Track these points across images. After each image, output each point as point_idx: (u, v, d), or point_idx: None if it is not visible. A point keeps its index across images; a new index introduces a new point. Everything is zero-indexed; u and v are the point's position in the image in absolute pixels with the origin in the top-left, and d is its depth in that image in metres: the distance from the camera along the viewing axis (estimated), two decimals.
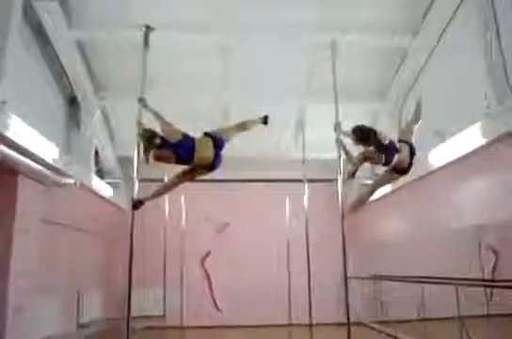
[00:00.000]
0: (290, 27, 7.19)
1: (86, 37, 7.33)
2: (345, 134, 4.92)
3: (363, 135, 4.42)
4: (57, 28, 6.77)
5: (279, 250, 9.50)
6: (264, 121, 5.00)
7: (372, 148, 4.39)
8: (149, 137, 4.23)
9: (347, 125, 4.88)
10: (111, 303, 9.41)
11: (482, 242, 6.08)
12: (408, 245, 8.36)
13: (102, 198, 9.13)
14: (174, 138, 4.29)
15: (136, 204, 4.41)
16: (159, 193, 4.69)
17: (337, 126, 5.02)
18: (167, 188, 4.72)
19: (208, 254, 10.60)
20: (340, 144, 4.90)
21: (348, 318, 4.34)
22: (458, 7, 6.44)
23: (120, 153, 10.07)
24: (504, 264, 5.62)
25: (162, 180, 7.36)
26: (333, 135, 5.06)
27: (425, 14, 6.99)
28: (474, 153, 5.94)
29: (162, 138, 4.26)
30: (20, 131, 5.31)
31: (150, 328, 9.08)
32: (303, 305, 7.12)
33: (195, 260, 10.40)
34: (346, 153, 4.75)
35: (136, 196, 4.43)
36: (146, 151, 4.28)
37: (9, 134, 5.05)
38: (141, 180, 4.61)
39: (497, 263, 5.72)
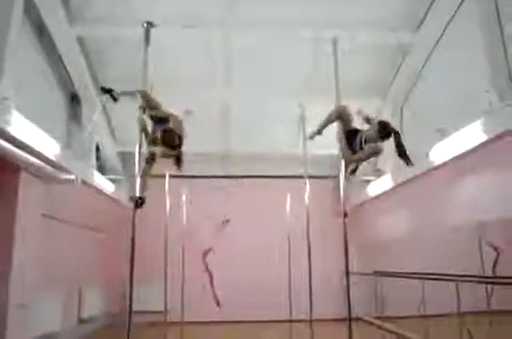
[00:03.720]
0: (291, 24, 7.18)
1: (87, 33, 7.32)
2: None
3: (386, 130, 4.42)
4: (58, 24, 6.76)
5: (279, 246, 9.51)
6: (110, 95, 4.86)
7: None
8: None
9: None
10: (112, 299, 9.44)
11: (482, 238, 6.09)
12: (407, 241, 8.38)
13: (103, 193, 9.15)
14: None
15: (138, 203, 4.37)
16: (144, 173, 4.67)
17: (339, 124, 4.99)
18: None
19: (209, 250, 10.63)
20: (341, 141, 4.87)
21: (349, 314, 4.34)
22: (461, 3, 6.42)
23: (121, 149, 10.08)
24: (504, 260, 5.63)
25: (164, 176, 7.37)
26: (334, 132, 5.06)
27: (427, 10, 6.97)
28: (476, 149, 5.94)
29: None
30: (21, 127, 5.33)
31: (151, 323, 9.11)
32: (304, 301, 7.13)
33: (196, 256, 10.43)
34: (345, 149, 4.76)
35: (137, 194, 4.39)
36: (179, 161, 4.59)
37: (11, 130, 5.07)
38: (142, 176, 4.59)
39: (497, 259, 5.73)
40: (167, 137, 4.44)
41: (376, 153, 4.53)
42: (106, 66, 8.18)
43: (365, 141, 4.52)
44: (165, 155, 4.55)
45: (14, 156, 5.25)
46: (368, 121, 4.83)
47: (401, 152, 4.37)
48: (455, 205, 6.84)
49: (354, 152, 4.62)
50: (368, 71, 8.39)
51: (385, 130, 4.42)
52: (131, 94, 4.62)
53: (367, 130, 4.60)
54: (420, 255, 7.72)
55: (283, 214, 9.34)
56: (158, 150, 4.48)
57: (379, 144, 4.45)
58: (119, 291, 9.34)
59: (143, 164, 4.57)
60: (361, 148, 4.57)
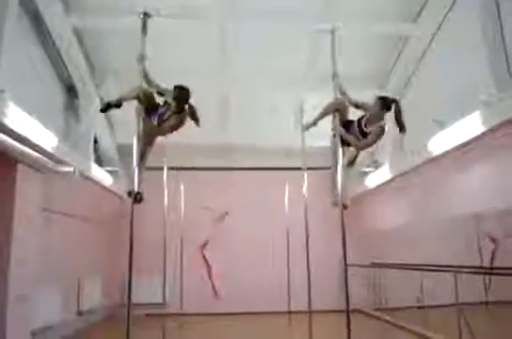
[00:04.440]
0: (289, 15, 7.13)
1: (83, 24, 7.26)
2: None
3: (387, 103, 4.62)
4: (55, 15, 6.70)
5: (278, 238, 9.53)
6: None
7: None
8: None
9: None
10: (111, 291, 9.46)
11: (480, 230, 6.10)
12: (405, 232, 8.40)
13: (101, 186, 9.14)
14: None
15: (137, 198, 4.39)
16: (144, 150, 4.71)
17: (336, 116, 4.99)
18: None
19: (207, 242, 10.64)
20: (338, 132, 4.88)
21: (348, 306, 4.35)
22: None
23: (119, 141, 10.05)
24: (502, 251, 5.65)
25: (162, 168, 7.35)
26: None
27: (426, 1, 6.93)
28: (474, 141, 5.94)
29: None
30: (18, 119, 5.30)
31: (149, 315, 9.15)
32: (302, 292, 7.15)
33: (195, 248, 10.44)
34: (350, 137, 4.82)
35: (135, 187, 4.38)
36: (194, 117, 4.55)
37: (8, 122, 5.05)
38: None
39: (496, 250, 5.75)
40: (180, 91, 4.51)
41: (383, 131, 4.65)
42: (104, 57, 8.13)
43: (365, 125, 4.62)
44: (179, 123, 4.56)
45: (11, 149, 5.23)
46: (356, 105, 4.94)
47: (399, 119, 4.61)
48: (453, 196, 6.84)
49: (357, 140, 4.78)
50: (366, 62, 8.36)
51: (386, 102, 4.61)
52: (130, 95, 4.59)
53: (368, 112, 4.70)
54: (418, 246, 7.74)
55: (282, 206, 9.34)
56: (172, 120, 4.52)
57: (382, 123, 4.61)
58: (118, 283, 9.37)
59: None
60: (362, 134, 4.64)
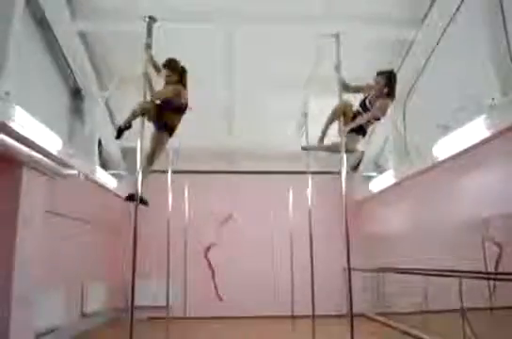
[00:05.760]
0: (294, 19, 7.15)
1: (89, 28, 7.30)
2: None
3: (388, 74, 4.90)
4: (60, 19, 6.75)
5: (282, 242, 9.52)
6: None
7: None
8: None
9: None
10: (115, 294, 9.46)
11: (485, 235, 6.07)
12: (410, 238, 8.37)
13: (105, 189, 9.16)
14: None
15: (143, 201, 4.46)
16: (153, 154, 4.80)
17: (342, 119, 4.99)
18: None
19: (211, 246, 10.63)
20: (343, 134, 4.88)
21: (351, 310, 4.34)
22: None
23: (124, 144, 10.07)
24: (507, 256, 5.62)
25: (166, 171, 7.38)
26: (336, 127, 5.13)
27: (431, 6, 6.94)
28: (479, 145, 5.92)
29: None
30: (24, 122, 5.33)
31: (153, 318, 9.14)
32: (306, 296, 7.13)
33: (198, 251, 10.43)
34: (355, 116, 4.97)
35: (140, 190, 4.38)
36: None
37: (14, 125, 5.07)
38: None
39: (501, 255, 5.71)
40: (171, 61, 4.82)
41: (387, 105, 4.85)
42: (109, 61, 8.16)
43: (370, 102, 4.90)
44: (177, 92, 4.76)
45: (16, 151, 5.25)
46: (360, 90, 5.13)
47: (393, 86, 4.85)
48: (458, 201, 6.81)
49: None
50: (370, 67, 8.33)
51: (386, 73, 4.90)
52: (135, 115, 4.61)
53: (371, 90, 4.92)
54: (424, 251, 7.71)
55: (286, 209, 9.33)
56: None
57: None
58: (122, 286, 9.36)
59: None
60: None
